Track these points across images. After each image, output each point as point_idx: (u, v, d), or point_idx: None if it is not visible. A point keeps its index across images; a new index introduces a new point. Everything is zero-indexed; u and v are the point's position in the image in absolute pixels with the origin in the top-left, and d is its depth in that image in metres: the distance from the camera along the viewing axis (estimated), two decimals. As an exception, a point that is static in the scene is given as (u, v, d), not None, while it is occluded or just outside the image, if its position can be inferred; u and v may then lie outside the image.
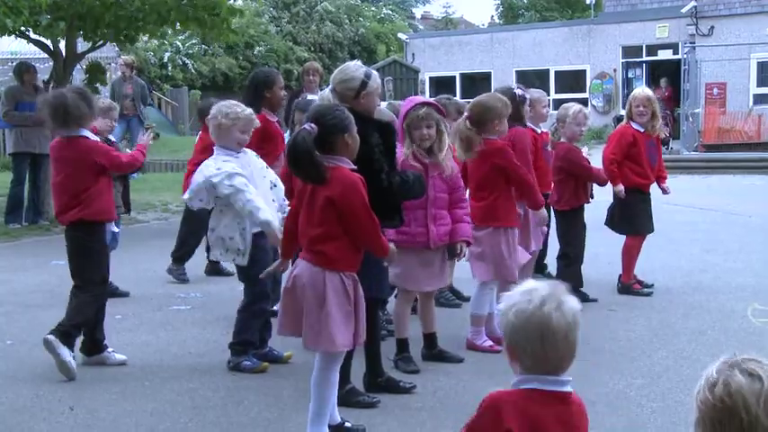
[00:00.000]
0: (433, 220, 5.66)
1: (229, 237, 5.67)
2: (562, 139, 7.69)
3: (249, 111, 5.83)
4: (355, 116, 4.59)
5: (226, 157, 5.66)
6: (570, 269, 7.58)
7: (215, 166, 5.61)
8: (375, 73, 5.21)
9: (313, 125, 4.27)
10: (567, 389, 2.50)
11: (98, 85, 13.70)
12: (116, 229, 6.96)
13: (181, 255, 8.77)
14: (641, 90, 8.25)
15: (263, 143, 6.53)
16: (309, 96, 8.21)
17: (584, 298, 7.12)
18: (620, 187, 7.74)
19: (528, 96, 7.05)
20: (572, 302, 2.47)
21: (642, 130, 7.88)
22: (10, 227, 11.97)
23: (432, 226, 5.64)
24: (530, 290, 2.47)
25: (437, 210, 5.67)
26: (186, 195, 5.87)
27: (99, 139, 6.22)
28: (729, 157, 22.68)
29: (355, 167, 4.39)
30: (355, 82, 5.04)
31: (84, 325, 5.78)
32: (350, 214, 4.28)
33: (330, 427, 4.53)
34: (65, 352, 5.57)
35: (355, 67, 5.13)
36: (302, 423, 4.79)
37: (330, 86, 5.12)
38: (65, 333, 5.62)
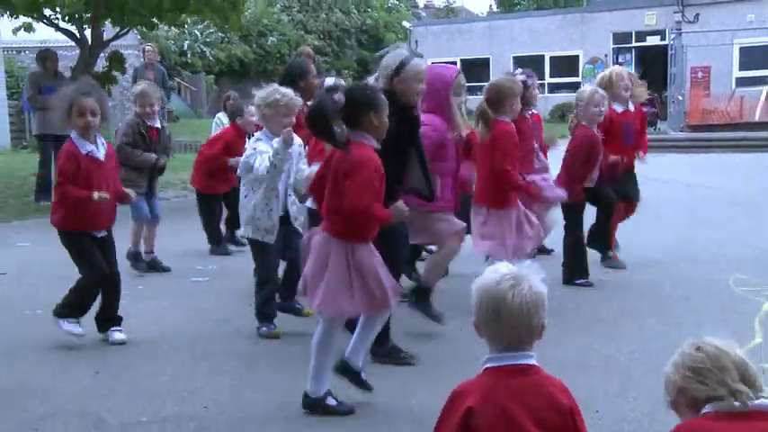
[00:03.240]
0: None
1: (257, 216, 5.66)
2: (583, 123, 7.22)
3: (288, 94, 5.70)
4: (390, 97, 4.51)
5: (262, 143, 5.64)
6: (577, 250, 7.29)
7: (251, 148, 5.71)
8: (415, 61, 5.07)
9: (341, 96, 4.19)
10: (527, 362, 2.42)
11: (116, 73, 13.67)
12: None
13: (215, 238, 8.85)
14: (617, 68, 7.85)
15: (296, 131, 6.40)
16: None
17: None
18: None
19: (533, 81, 6.92)
20: (534, 284, 2.41)
21: (620, 110, 7.58)
22: (41, 204, 11.96)
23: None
24: (497, 269, 2.45)
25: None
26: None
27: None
28: (713, 137, 22.60)
29: (378, 147, 4.27)
30: (390, 68, 4.99)
31: (79, 306, 5.64)
32: (349, 185, 4.13)
33: (352, 370, 4.48)
34: (62, 324, 5.58)
35: (395, 54, 5.07)
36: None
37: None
38: (61, 305, 5.62)
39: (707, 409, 2.32)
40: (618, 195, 7.61)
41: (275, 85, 5.80)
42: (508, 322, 2.39)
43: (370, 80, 5.18)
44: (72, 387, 4.85)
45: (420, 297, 5.83)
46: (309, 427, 4.21)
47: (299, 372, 5.02)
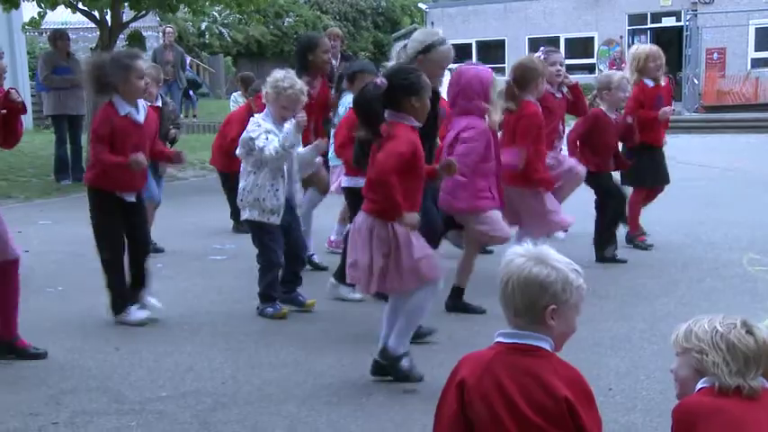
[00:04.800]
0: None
1: (262, 198, 5.61)
2: (602, 106, 7.16)
3: (297, 88, 5.57)
4: None
5: (266, 123, 5.60)
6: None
7: (255, 124, 5.63)
8: (446, 46, 5.03)
9: (384, 80, 4.19)
10: (535, 343, 2.37)
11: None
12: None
13: (238, 215, 8.81)
14: (648, 46, 7.82)
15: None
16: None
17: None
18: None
19: (553, 57, 6.78)
20: (546, 265, 2.36)
21: (652, 85, 7.57)
22: (62, 183, 12.03)
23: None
24: (525, 248, 2.43)
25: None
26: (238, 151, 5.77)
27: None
28: (727, 118, 22.42)
29: (418, 125, 4.27)
30: (420, 44, 4.96)
31: (111, 286, 5.63)
32: (378, 155, 4.15)
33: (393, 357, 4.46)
34: (129, 316, 5.58)
35: (426, 32, 5.04)
36: (326, 363, 4.81)
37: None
38: (112, 303, 5.62)
39: (706, 383, 2.32)
40: (655, 181, 7.69)
41: (292, 74, 5.68)
42: (513, 300, 2.39)
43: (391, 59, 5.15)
44: (93, 363, 4.89)
45: (455, 298, 5.82)
46: (327, 405, 4.24)
47: (317, 351, 5.06)
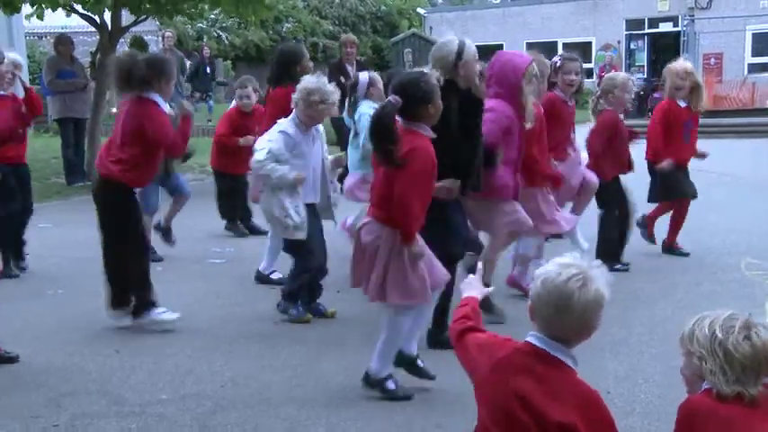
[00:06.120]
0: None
1: (284, 215, 5.48)
2: (609, 108, 6.95)
3: (330, 102, 5.50)
4: (452, 86, 4.47)
5: (290, 127, 5.53)
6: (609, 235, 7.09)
7: (265, 140, 5.56)
8: (468, 41, 5.00)
9: (398, 98, 4.11)
10: (563, 358, 2.39)
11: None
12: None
13: (228, 216, 8.88)
14: (680, 62, 7.60)
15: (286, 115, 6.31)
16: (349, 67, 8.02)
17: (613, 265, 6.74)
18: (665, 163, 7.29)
19: (568, 65, 6.54)
20: (601, 286, 2.37)
21: (684, 105, 7.39)
22: (75, 186, 12.03)
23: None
24: (566, 264, 2.40)
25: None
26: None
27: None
28: (725, 123, 22.41)
29: (433, 135, 4.21)
30: (451, 56, 4.91)
31: (121, 291, 5.59)
32: (401, 174, 4.06)
33: (407, 359, 4.46)
34: (151, 315, 5.58)
35: (449, 41, 5.00)
36: (327, 366, 4.82)
37: (429, 65, 4.97)
38: (136, 303, 5.61)
39: (707, 384, 2.32)
40: (686, 194, 7.54)
41: (324, 81, 5.58)
42: (568, 320, 2.37)
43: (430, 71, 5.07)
44: (93, 366, 4.89)
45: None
46: (327, 407, 4.24)
47: (316, 354, 5.06)
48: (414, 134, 4.15)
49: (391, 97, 4.14)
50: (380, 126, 4.07)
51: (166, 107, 5.53)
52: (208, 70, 20.70)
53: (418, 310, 4.36)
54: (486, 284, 5.54)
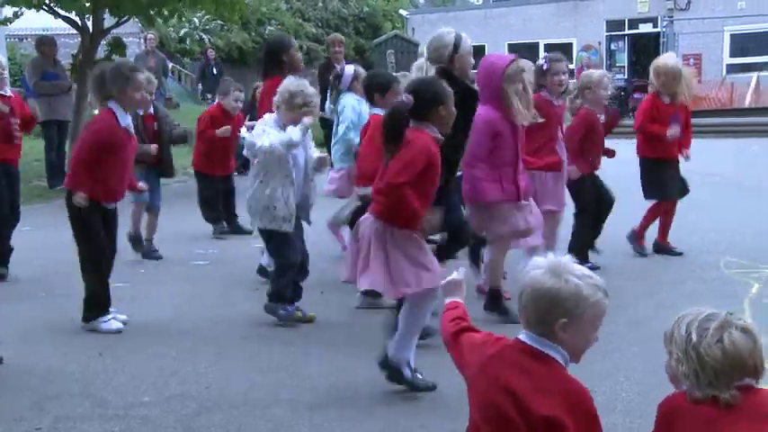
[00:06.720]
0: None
1: (273, 205, 5.45)
2: (587, 106, 7.01)
3: (312, 105, 5.49)
4: (448, 76, 4.47)
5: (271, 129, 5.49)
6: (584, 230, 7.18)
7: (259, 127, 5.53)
8: (464, 35, 5.02)
9: (410, 96, 4.16)
10: (552, 354, 2.39)
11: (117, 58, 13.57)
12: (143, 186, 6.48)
13: (211, 218, 8.86)
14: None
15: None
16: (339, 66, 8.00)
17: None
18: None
19: (554, 66, 6.48)
20: (552, 278, 2.35)
21: (668, 102, 7.47)
22: (58, 189, 11.93)
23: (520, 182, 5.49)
24: (543, 261, 2.41)
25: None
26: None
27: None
28: (704, 123, 22.49)
29: (440, 137, 4.22)
30: (448, 48, 4.90)
31: (98, 301, 5.61)
32: (392, 162, 4.11)
33: (394, 368, 4.41)
34: (95, 324, 5.56)
35: (446, 33, 4.99)
36: (312, 368, 4.81)
37: (425, 56, 4.97)
38: (88, 307, 5.61)
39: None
40: (673, 195, 7.68)
41: (305, 83, 5.56)
42: (525, 311, 2.40)
43: (420, 61, 5.08)
44: (77, 368, 4.87)
45: (492, 300, 5.69)
46: (311, 409, 4.23)
47: (302, 356, 5.05)
48: (418, 131, 4.18)
49: (404, 95, 4.17)
50: (391, 123, 4.14)
51: (125, 117, 5.49)
52: (214, 71, 20.84)
53: (432, 296, 4.32)
54: (497, 288, 5.61)
